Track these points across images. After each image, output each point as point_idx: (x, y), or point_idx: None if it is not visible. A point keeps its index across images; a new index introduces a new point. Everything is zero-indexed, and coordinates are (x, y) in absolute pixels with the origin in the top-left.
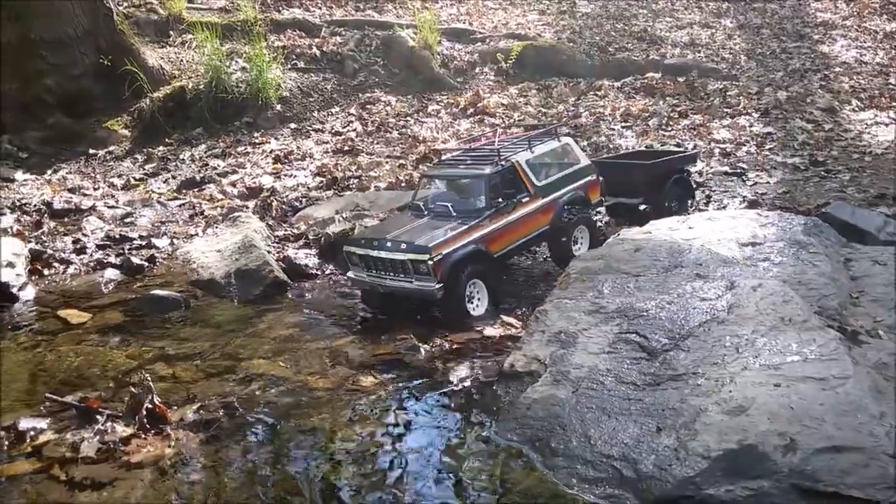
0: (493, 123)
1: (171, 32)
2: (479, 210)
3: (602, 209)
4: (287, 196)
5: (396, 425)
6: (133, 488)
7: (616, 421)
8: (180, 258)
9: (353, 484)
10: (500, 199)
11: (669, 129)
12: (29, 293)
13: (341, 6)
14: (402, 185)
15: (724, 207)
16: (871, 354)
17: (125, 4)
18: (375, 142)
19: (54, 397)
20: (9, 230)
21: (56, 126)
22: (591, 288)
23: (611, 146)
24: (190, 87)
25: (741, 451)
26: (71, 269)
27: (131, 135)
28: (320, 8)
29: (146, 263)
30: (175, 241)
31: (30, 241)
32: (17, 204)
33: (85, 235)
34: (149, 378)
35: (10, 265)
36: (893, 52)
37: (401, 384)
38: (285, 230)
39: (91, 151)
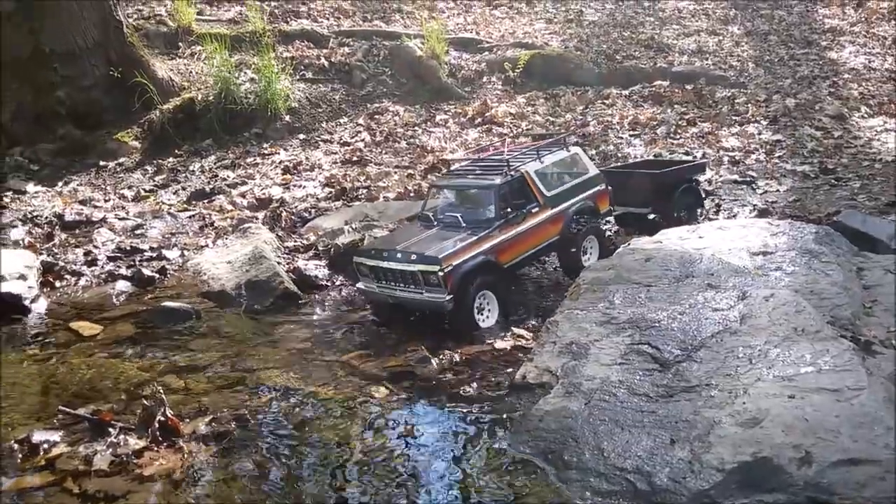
0: (500, 133)
1: (181, 44)
2: (488, 220)
3: (611, 219)
4: (296, 207)
5: (408, 437)
6: (146, 501)
7: (629, 433)
8: (191, 270)
9: (364, 496)
10: (510, 210)
11: (678, 137)
12: (41, 305)
13: (349, 17)
14: (411, 195)
15: (734, 216)
16: (885, 365)
17: (135, 16)
18: (384, 152)
19: (67, 410)
20: (20, 242)
21: (67, 138)
22: (602, 298)
23: (619, 155)
24: (199, 98)
25: (756, 463)
26: (82, 281)
27: (141, 146)
28: (328, 19)
29: (157, 275)
30: (185, 252)
31: (42, 254)
32: (29, 216)
33: (96, 247)
34: (161, 390)
35: (23, 277)
36: None
37: (412, 396)
38: (295, 241)
39: (101, 163)
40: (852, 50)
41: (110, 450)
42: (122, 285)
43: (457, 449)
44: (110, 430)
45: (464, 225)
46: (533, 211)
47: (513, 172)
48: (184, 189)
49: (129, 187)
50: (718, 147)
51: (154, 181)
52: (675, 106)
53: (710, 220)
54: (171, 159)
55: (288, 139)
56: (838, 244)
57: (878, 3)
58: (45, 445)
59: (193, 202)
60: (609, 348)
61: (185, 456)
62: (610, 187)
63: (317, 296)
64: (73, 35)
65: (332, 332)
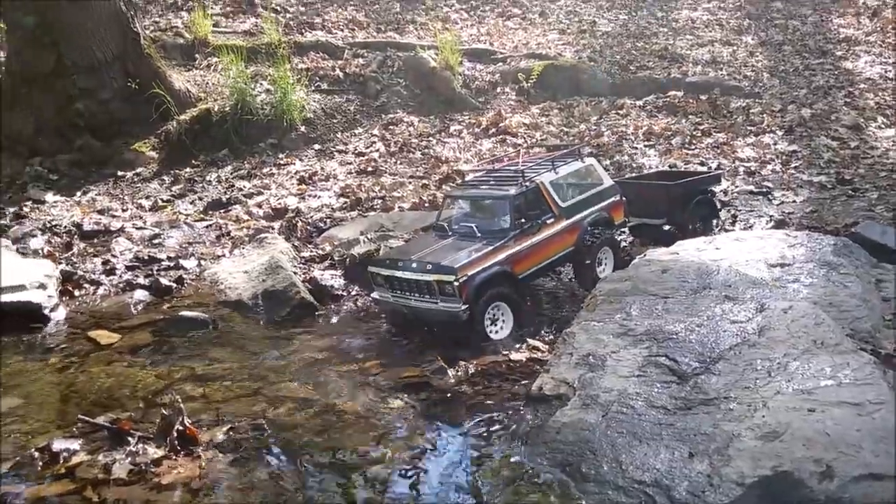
0: (515, 143)
1: (197, 56)
2: (503, 231)
3: (626, 230)
4: (312, 217)
5: (424, 448)
6: None
7: (647, 446)
8: (208, 279)
9: None
10: (525, 220)
11: (692, 147)
12: (60, 314)
13: (363, 28)
14: (426, 205)
15: (750, 227)
16: None
17: (152, 29)
18: (398, 162)
19: (87, 419)
20: (40, 251)
21: (85, 148)
22: (618, 310)
23: (634, 165)
24: (216, 109)
25: (776, 477)
26: (101, 290)
27: (158, 157)
28: (342, 30)
29: (174, 284)
30: (202, 262)
31: (60, 263)
32: (48, 225)
33: (114, 256)
34: (179, 400)
35: (42, 286)
36: None
37: (428, 407)
38: (311, 251)
39: (119, 173)
40: (868, 60)
41: (129, 458)
42: (139, 294)
43: (473, 460)
44: (129, 438)
45: (479, 235)
46: (548, 222)
47: (528, 183)
48: (200, 199)
49: (147, 197)
50: (734, 157)
51: (171, 191)
52: (690, 116)
53: (726, 230)
54: (187, 169)
55: (303, 149)
56: (857, 256)
57: (894, 12)
58: (65, 454)
59: (210, 212)
60: (626, 360)
61: (203, 465)
62: (624, 198)
63: (333, 306)
64: (93, 48)
65: (348, 342)
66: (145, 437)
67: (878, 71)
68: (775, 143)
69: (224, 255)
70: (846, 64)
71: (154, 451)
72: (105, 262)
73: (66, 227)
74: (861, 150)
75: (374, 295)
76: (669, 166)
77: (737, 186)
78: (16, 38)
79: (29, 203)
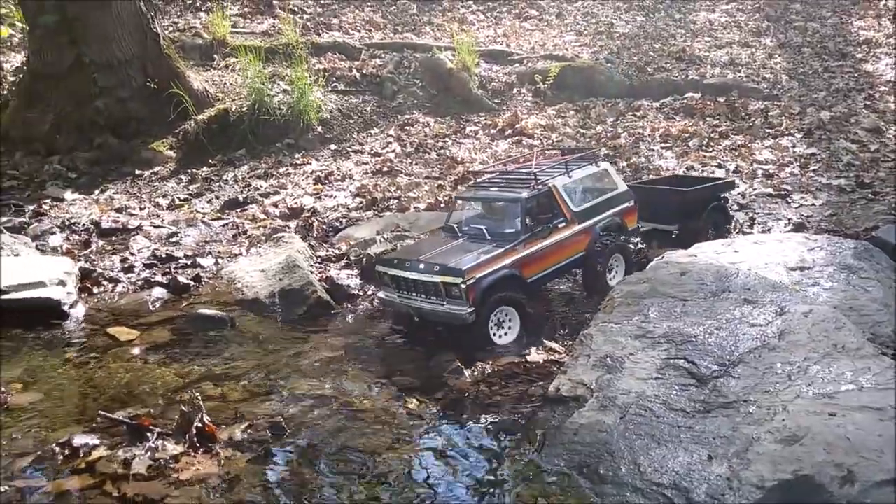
0: (531, 144)
1: (216, 56)
2: (514, 234)
3: (639, 237)
4: (328, 216)
5: (441, 448)
6: None
7: (666, 448)
8: (225, 277)
9: None
10: (536, 224)
11: (710, 149)
12: (79, 311)
13: (380, 29)
14: (442, 206)
15: (768, 230)
16: None
17: (171, 29)
18: (414, 163)
19: (107, 415)
20: (59, 249)
21: (104, 147)
22: (636, 312)
23: (650, 167)
24: (233, 109)
25: (797, 481)
26: (119, 288)
27: (176, 156)
28: (359, 31)
29: (192, 282)
30: (219, 260)
31: (79, 260)
32: (67, 223)
33: (132, 254)
34: (199, 397)
35: (62, 283)
36: None
37: (445, 407)
38: (327, 250)
39: (137, 172)
40: (889, 62)
41: (148, 454)
42: (157, 292)
43: (490, 460)
44: (148, 434)
45: (488, 237)
46: (559, 226)
47: (540, 186)
48: (217, 198)
49: (164, 196)
50: (752, 160)
51: (188, 190)
52: (708, 118)
53: (744, 233)
54: (205, 169)
55: (319, 149)
56: (878, 260)
57: None
58: (85, 448)
59: (227, 211)
60: (644, 362)
61: (222, 462)
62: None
63: (349, 305)
64: (113, 47)
65: (364, 341)
66: (164, 433)
67: None
68: (794, 146)
69: (241, 254)
70: (866, 66)
71: (173, 448)
72: (123, 260)
73: (84, 224)
74: (881, 153)
75: (381, 295)
76: (686, 169)
77: (755, 189)
78: (37, 37)
79: (48, 201)
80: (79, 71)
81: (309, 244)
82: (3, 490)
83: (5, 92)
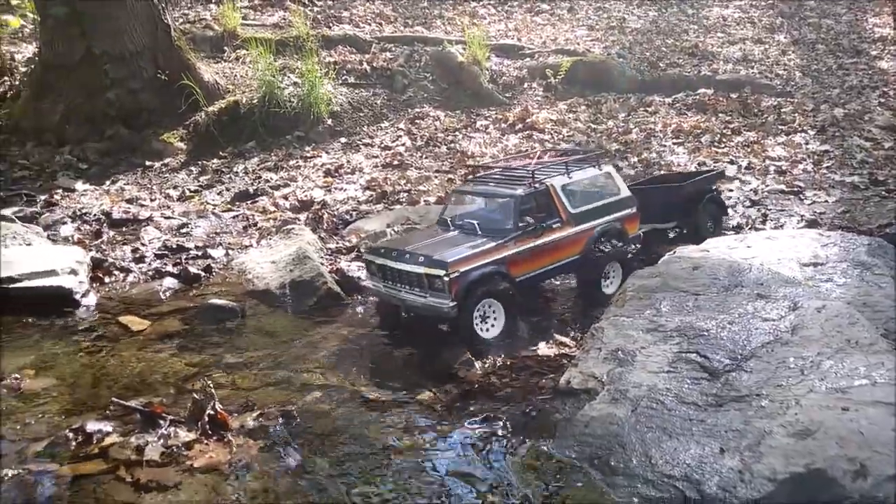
0: (541, 139)
1: (226, 48)
2: (505, 231)
3: (638, 245)
4: (338, 209)
5: (452, 438)
6: (196, 492)
7: (677, 441)
8: (236, 268)
9: (407, 496)
10: (529, 222)
11: (722, 146)
12: (91, 300)
13: (390, 23)
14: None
15: (781, 226)
16: None
17: (182, 21)
18: (424, 156)
19: (120, 401)
20: (70, 238)
21: (115, 138)
22: (648, 306)
23: (662, 162)
24: (244, 101)
25: (809, 475)
26: (130, 278)
27: (186, 147)
28: (370, 24)
29: (203, 273)
30: (230, 251)
31: (91, 250)
32: (78, 213)
33: (143, 245)
34: (211, 385)
35: (74, 272)
36: None
37: (456, 398)
38: (337, 243)
39: (148, 163)
40: None
41: (161, 441)
42: (168, 282)
43: (501, 451)
44: (161, 422)
45: (479, 233)
46: (553, 226)
47: (537, 185)
48: (228, 190)
49: (175, 187)
50: (764, 156)
51: (199, 181)
52: (720, 114)
53: (756, 229)
54: (215, 160)
55: (330, 142)
56: (891, 256)
57: None
58: (99, 435)
59: (237, 203)
60: (656, 356)
61: (234, 450)
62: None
63: (359, 297)
64: (124, 39)
65: (375, 333)
66: (177, 420)
67: None
68: (807, 143)
69: (251, 246)
70: (881, 63)
71: (186, 435)
72: (134, 250)
73: (95, 215)
74: (895, 150)
75: (367, 283)
76: (699, 165)
77: (767, 185)
78: (48, 28)
79: (59, 191)
80: (90, 62)
81: (319, 236)
82: (18, 473)
83: (17, 82)
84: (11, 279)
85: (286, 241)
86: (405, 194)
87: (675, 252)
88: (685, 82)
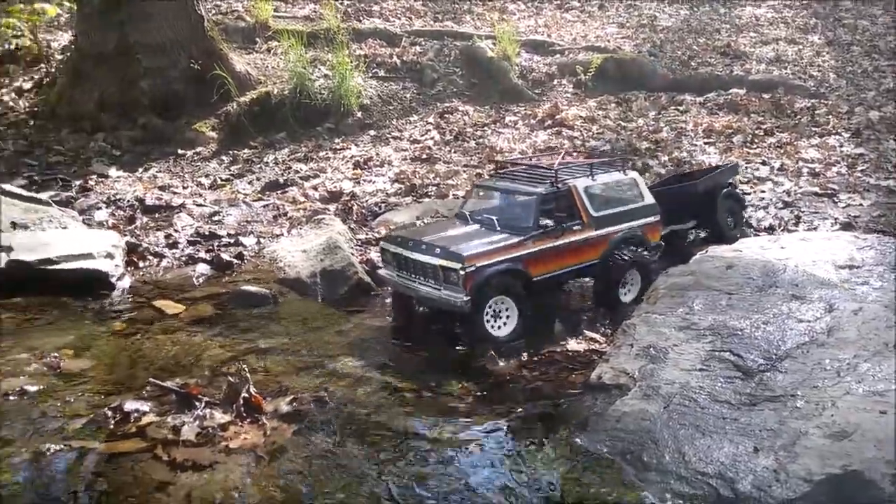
0: (570, 136)
1: (258, 39)
2: (524, 229)
3: (659, 253)
4: (367, 201)
5: (481, 429)
6: (232, 472)
7: (711, 439)
8: (267, 257)
9: (437, 486)
10: (550, 222)
11: (754, 146)
12: (126, 283)
13: (420, 17)
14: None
15: (814, 228)
16: None
17: (214, 12)
18: (453, 151)
19: (157, 382)
20: (104, 223)
21: (147, 126)
22: (680, 304)
23: (693, 162)
24: (275, 92)
25: (846, 476)
26: (164, 263)
27: (218, 137)
28: (400, 18)
29: (235, 260)
30: (261, 240)
31: (125, 235)
32: (112, 199)
33: (176, 231)
34: (246, 368)
35: (110, 256)
36: None
37: (486, 390)
38: (366, 234)
39: (180, 151)
40: None
41: (197, 422)
42: (201, 268)
43: (531, 443)
44: (197, 403)
45: (498, 228)
46: (574, 228)
47: (560, 185)
48: (258, 179)
49: (206, 176)
50: (797, 158)
51: (230, 171)
52: (752, 115)
53: (788, 231)
54: (246, 150)
55: (359, 135)
56: None
57: None
58: (136, 414)
59: (267, 192)
60: (689, 353)
61: (268, 432)
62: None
63: (389, 288)
64: (158, 29)
65: (405, 324)
66: (212, 402)
67: None
68: (841, 146)
69: (282, 235)
70: None
71: (221, 417)
72: (167, 236)
73: (129, 201)
74: None
75: (381, 272)
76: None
77: (800, 187)
78: (84, 17)
79: (94, 177)
80: (124, 51)
81: (349, 227)
82: (59, 448)
83: (53, 70)
84: (49, 261)
85: (317, 230)
86: (434, 188)
87: (706, 251)
88: (717, 82)
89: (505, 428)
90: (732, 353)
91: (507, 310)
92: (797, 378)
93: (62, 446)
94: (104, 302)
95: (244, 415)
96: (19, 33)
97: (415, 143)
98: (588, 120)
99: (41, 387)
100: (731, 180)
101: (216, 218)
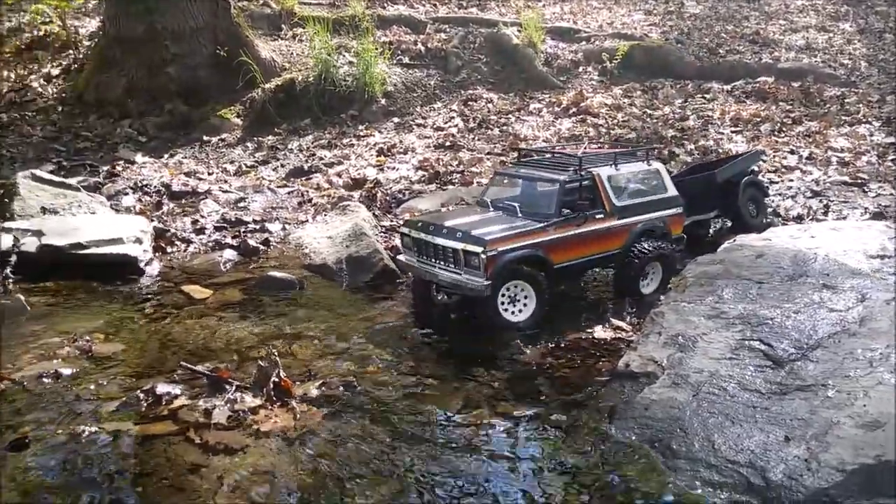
0: (595, 124)
1: (283, 26)
2: (546, 216)
3: (682, 246)
4: (391, 188)
5: (509, 415)
6: (263, 456)
7: (741, 427)
8: (293, 243)
9: (464, 471)
10: (572, 210)
11: (782, 135)
12: (154, 268)
13: (445, 3)
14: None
15: (843, 218)
16: None
17: None
18: (476, 138)
19: (188, 366)
20: (132, 209)
21: (173, 112)
22: (710, 292)
23: (719, 150)
24: (300, 79)
25: (879, 467)
26: (191, 248)
27: (243, 123)
28: (424, 5)
29: (261, 246)
30: (286, 226)
31: (153, 220)
32: (139, 184)
33: (202, 217)
34: (276, 353)
35: (139, 241)
36: None
37: (513, 377)
38: (391, 221)
39: (205, 138)
40: None
41: (228, 405)
42: (228, 254)
43: (559, 429)
44: (227, 387)
45: (520, 215)
46: (596, 217)
47: (583, 173)
48: (282, 166)
49: (231, 162)
50: (826, 147)
51: (254, 157)
52: (780, 103)
53: (817, 220)
54: (270, 137)
55: (383, 122)
56: None
57: None
58: (168, 397)
59: (292, 179)
60: (718, 342)
61: (298, 416)
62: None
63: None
64: (185, 15)
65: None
66: (242, 386)
67: None
68: (871, 135)
69: (307, 221)
70: None
71: (251, 400)
72: (194, 222)
73: (155, 186)
74: None
75: (400, 257)
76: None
77: (829, 176)
78: (112, 3)
79: (121, 162)
80: (152, 38)
81: (373, 214)
82: (94, 431)
83: (81, 56)
84: (80, 245)
85: (342, 217)
86: (457, 175)
87: (735, 240)
88: (745, 69)
89: (532, 415)
90: (763, 342)
91: (525, 296)
92: (828, 367)
93: (96, 429)
94: (133, 286)
95: (274, 399)
96: (48, 20)
97: (438, 130)
98: (613, 108)
99: (74, 370)
100: (753, 168)
101: (242, 204)
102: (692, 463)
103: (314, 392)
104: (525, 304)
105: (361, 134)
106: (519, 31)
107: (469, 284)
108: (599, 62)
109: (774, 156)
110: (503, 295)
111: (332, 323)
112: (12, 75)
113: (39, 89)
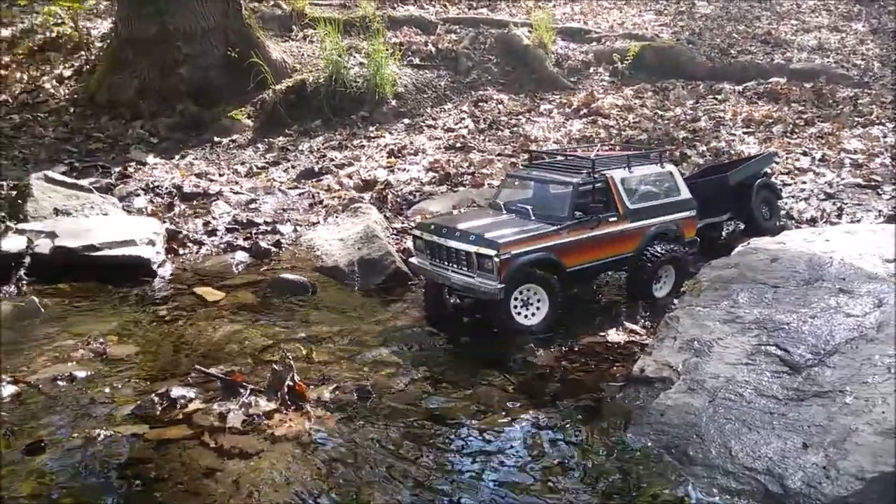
0: (606, 125)
1: (294, 27)
2: (559, 218)
3: (695, 249)
4: (401, 190)
5: (523, 420)
6: (278, 460)
7: (758, 434)
8: (304, 245)
9: (479, 475)
10: (585, 213)
11: (795, 136)
12: (167, 270)
13: (455, 4)
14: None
15: (857, 221)
16: None
17: None
18: (487, 139)
19: (202, 369)
20: (143, 210)
21: (185, 113)
22: (725, 297)
23: (731, 152)
24: (310, 80)
25: None
26: (203, 250)
27: (254, 125)
28: (434, 6)
29: (273, 248)
30: (298, 228)
31: (165, 222)
32: (151, 186)
33: (214, 218)
34: (290, 357)
35: (151, 243)
36: None
37: (527, 381)
38: (402, 223)
39: (216, 139)
40: None
41: (243, 409)
42: (240, 256)
43: (574, 435)
44: (241, 390)
45: (533, 218)
46: (609, 220)
47: (596, 175)
48: (293, 167)
49: (242, 163)
50: (839, 149)
51: (265, 158)
52: (793, 104)
53: (831, 223)
54: (281, 138)
55: (393, 123)
56: None
57: None
58: (182, 400)
59: (302, 180)
60: (734, 347)
61: (312, 420)
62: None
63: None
64: (196, 16)
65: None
66: (257, 390)
67: None
68: (885, 136)
69: (319, 223)
70: None
71: (266, 404)
72: (206, 224)
73: (167, 188)
74: None
75: (412, 260)
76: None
77: (843, 179)
78: (124, 4)
79: (132, 164)
80: (163, 39)
81: (384, 216)
82: (109, 434)
83: (93, 57)
84: (93, 247)
85: (353, 219)
86: (468, 177)
87: (748, 243)
88: (756, 70)
89: (547, 419)
90: (779, 347)
91: (538, 300)
92: (846, 373)
93: (112, 432)
94: (146, 288)
95: (288, 403)
96: (60, 21)
97: (449, 131)
98: (624, 109)
99: (89, 372)
100: (766, 170)
101: (253, 205)
102: (709, 470)
103: (328, 396)
104: (538, 308)
105: (372, 135)
106: (529, 31)
107: (482, 288)
108: (610, 63)
109: (787, 157)
110: (516, 298)
111: (344, 326)
112: (25, 77)
113: (52, 90)
